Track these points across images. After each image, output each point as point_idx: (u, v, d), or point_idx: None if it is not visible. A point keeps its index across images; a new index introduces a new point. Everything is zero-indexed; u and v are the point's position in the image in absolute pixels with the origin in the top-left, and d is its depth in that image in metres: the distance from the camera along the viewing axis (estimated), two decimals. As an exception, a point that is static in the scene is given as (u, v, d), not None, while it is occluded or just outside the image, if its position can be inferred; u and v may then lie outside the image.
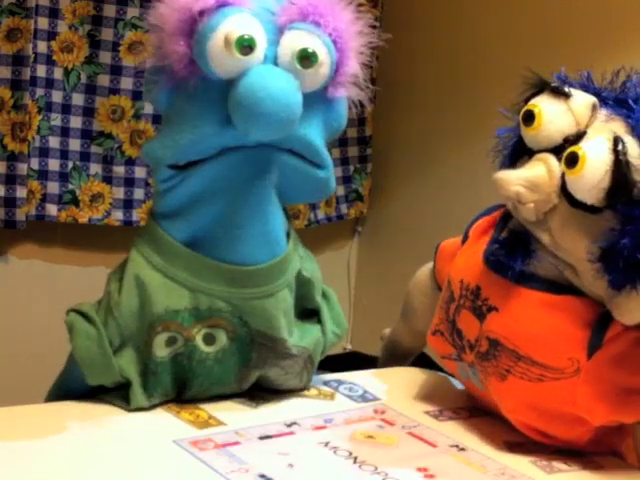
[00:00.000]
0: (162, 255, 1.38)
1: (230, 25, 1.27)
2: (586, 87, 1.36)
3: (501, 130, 1.42)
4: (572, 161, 1.27)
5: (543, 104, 1.33)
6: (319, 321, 1.51)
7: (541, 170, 1.32)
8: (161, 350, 1.39)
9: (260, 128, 1.30)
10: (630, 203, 1.25)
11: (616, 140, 1.25)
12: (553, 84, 1.35)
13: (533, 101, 1.35)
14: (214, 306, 1.39)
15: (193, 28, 1.29)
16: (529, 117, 1.34)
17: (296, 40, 1.31)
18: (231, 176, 1.36)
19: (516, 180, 1.32)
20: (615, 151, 1.25)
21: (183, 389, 1.43)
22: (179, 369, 1.41)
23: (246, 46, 1.27)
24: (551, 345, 1.34)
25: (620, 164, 1.24)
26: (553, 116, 1.32)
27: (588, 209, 1.28)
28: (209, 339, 1.41)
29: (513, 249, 1.37)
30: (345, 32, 1.34)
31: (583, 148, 1.27)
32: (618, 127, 1.29)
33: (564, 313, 1.33)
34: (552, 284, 1.35)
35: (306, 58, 1.30)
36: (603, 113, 1.32)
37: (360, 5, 1.36)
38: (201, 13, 1.28)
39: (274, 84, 1.28)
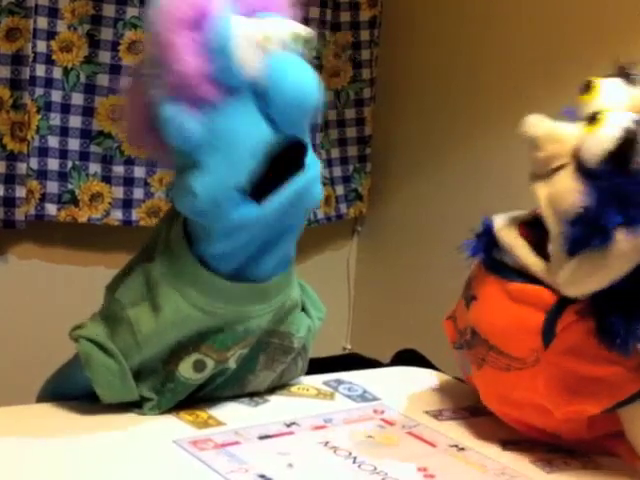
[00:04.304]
0: (204, 293, 1.34)
1: (263, 26, 1.26)
2: None
3: (566, 110, 1.40)
4: (593, 119, 1.28)
5: (605, 80, 1.33)
6: (302, 309, 1.52)
7: (571, 128, 1.32)
8: (188, 372, 1.38)
9: (307, 118, 1.30)
10: (619, 173, 1.24)
11: None
12: (627, 69, 1.35)
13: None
14: (250, 327, 1.39)
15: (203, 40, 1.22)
16: (586, 87, 1.34)
17: (284, 25, 1.29)
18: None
19: (541, 127, 1.33)
20: (636, 122, 1.25)
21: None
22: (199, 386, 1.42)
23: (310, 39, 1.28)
24: (513, 335, 1.34)
25: (636, 133, 1.24)
26: (610, 92, 1.32)
27: (586, 173, 1.27)
28: (239, 358, 1.41)
29: (481, 237, 1.40)
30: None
31: (608, 114, 1.27)
32: None
33: (524, 302, 1.33)
34: (517, 273, 1.36)
35: (308, 41, 1.29)
36: None
37: None
38: (201, 23, 1.22)
39: (310, 73, 1.28)
